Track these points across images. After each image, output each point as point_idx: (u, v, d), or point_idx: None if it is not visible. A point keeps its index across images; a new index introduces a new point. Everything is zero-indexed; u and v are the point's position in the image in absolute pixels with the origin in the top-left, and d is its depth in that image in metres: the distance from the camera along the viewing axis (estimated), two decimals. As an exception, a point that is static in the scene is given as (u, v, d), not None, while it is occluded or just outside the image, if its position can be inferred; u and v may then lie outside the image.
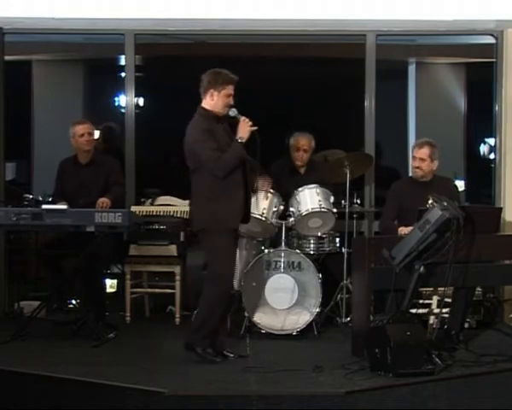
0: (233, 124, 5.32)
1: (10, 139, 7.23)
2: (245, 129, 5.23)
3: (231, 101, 5.27)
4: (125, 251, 6.55)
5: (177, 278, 6.53)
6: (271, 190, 6.15)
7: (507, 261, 5.86)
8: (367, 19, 6.80)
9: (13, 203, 6.10)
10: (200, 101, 5.31)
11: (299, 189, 6.30)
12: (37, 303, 6.19)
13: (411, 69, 9.50)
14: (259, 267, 6.12)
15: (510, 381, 4.92)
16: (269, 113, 8.25)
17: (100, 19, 6.73)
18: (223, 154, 5.15)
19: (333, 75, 9.03)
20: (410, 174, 6.48)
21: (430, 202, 5.22)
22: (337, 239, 6.48)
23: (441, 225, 5.04)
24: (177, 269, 6.53)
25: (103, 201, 6.15)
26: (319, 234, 6.38)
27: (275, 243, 6.33)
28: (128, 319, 6.57)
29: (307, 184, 6.36)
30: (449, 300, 5.65)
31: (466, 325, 5.94)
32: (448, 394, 4.76)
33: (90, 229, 5.67)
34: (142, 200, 7.06)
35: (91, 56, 9.18)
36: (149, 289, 6.85)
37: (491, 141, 7.80)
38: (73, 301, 6.57)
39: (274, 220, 6.21)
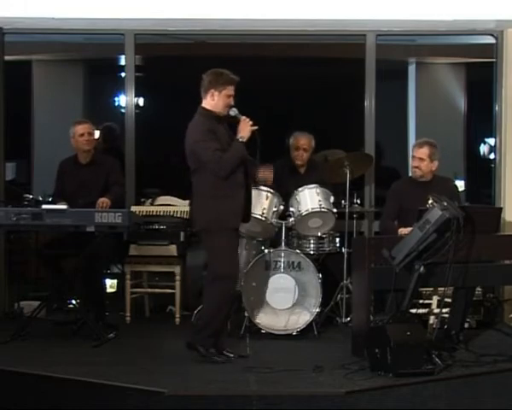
0: (233, 124, 5.33)
1: (10, 139, 7.23)
2: (246, 128, 5.23)
3: (232, 101, 5.27)
4: (125, 251, 6.55)
5: (177, 278, 6.52)
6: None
7: (507, 261, 5.86)
8: (367, 19, 6.80)
9: (13, 203, 6.10)
10: (200, 101, 5.31)
11: (299, 189, 6.30)
12: (37, 303, 6.18)
13: (411, 69, 9.49)
14: (259, 267, 6.11)
15: (510, 381, 4.92)
16: (269, 113, 8.25)
17: (100, 19, 6.73)
18: (224, 154, 5.16)
19: (333, 75, 9.02)
20: (410, 174, 6.48)
21: (430, 202, 5.21)
22: (337, 239, 6.48)
23: (441, 225, 5.04)
24: (177, 269, 6.53)
25: (103, 201, 6.14)
26: (319, 234, 6.37)
27: (275, 243, 6.33)
28: (128, 319, 6.56)
29: (307, 183, 6.35)
30: (449, 300, 5.64)
31: (466, 325, 5.94)
32: (448, 394, 4.75)
33: (90, 229, 5.67)
34: (142, 200, 7.06)
35: (91, 56, 9.17)
36: (149, 289, 6.85)
37: (491, 141, 7.79)
38: (73, 301, 6.56)
39: (274, 220, 6.21)
